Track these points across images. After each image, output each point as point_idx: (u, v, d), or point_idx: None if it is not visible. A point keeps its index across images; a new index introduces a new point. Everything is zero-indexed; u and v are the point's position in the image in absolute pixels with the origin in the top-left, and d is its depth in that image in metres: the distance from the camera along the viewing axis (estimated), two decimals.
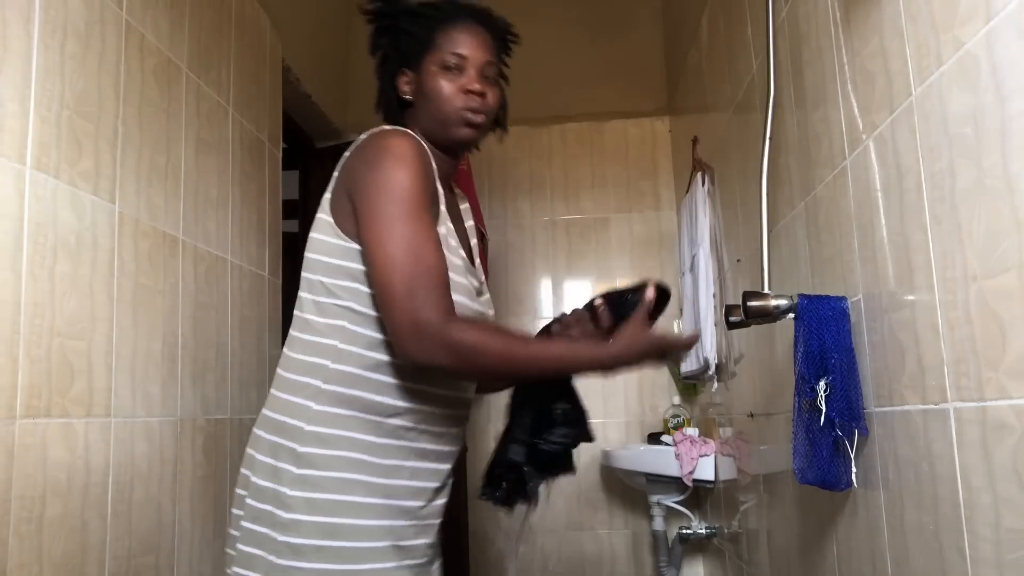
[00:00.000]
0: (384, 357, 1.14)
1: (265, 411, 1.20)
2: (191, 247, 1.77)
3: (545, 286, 3.13)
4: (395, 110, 1.28)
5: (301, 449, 1.12)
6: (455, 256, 1.19)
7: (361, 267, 1.14)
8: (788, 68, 1.45)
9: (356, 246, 1.14)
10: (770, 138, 1.45)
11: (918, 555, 0.99)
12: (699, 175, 2.41)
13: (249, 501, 1.15)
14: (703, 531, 2.57)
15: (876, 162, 1.08)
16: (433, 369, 1.12)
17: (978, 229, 0.82)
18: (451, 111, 1.21)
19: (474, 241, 1.36)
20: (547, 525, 2.94)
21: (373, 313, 1.14)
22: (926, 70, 0.92)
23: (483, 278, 1.34)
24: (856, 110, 1.15)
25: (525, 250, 3.13)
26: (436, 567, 1.25)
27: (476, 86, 1.20)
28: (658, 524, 2.66)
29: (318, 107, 2.88)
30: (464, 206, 1.38)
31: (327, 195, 1.20)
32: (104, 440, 1.39)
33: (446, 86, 1.21)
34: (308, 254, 1.20)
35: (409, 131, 1.20)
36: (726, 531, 2.38)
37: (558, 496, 2.94)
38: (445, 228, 1.18)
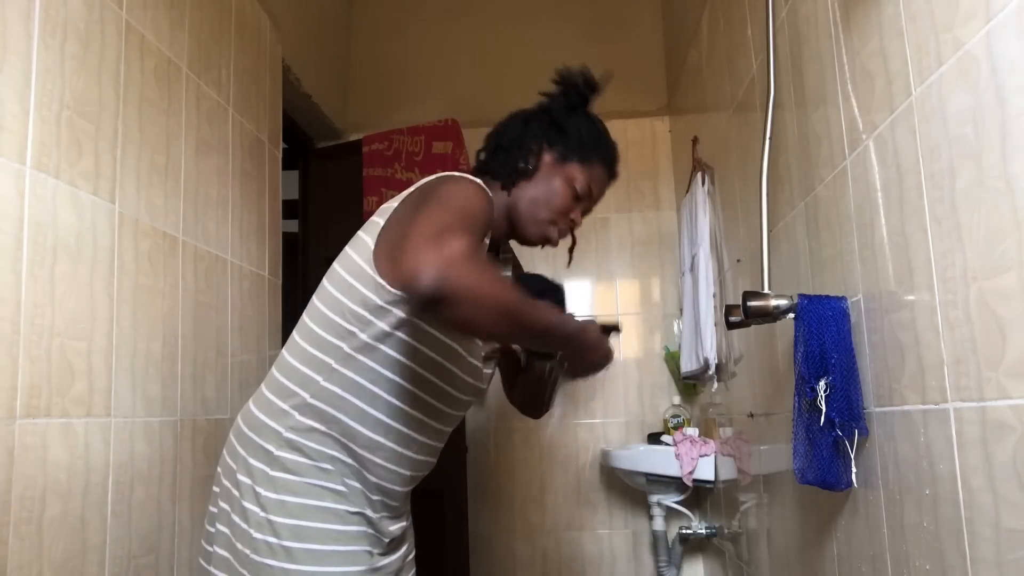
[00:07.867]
0: (374, 388, 1.14)
1: (251, 406, 1.21)
2: (191, 247, 1.77)
3: None
4: (502, 160, 1.25)
5: (276, 452, 1.14)
6: None
7: (377, 300, 1.11)
8: (788, 68, 1.45)
9: (381, 280, 1.11)
10: (770, 138, 1.45)
11: (918, 555, 0.99)
12: (699, 175, 2.41)
13: (225, 483, 1.17)
14: (703, 531, 2.57)
15: (876, 162, 1.08)
16: (425, 300, 0.88)
17: (978, 229, 0.82)
18: (546, 220, 1.25)
19: None
20: (547, 525, 2.95)
21: (373, 343, 1.13)
22: (926, 70, 0.92)
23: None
24: (856, 110, 1.15)
25: (525, 250, 3.11)
26: (409, 559, 1.30)
27: (580, 221, 1.29)
28: (658, 524, 2.66)
29: (318, 107, 2.89)
30: (506, 255, 1.38)
31: (377, 219, 1.16)
32: (104, 440, 1.39)
33: (565, 200, 1.24)
34: (335, 266, 1.18)
35: (483, 183, 1.13)
36: (726, 531, 2.38)
37: (558, 495, 2.95)
38: None
